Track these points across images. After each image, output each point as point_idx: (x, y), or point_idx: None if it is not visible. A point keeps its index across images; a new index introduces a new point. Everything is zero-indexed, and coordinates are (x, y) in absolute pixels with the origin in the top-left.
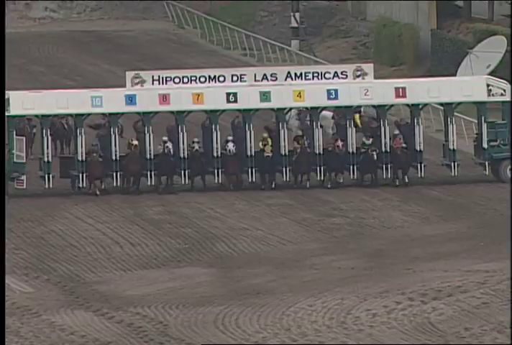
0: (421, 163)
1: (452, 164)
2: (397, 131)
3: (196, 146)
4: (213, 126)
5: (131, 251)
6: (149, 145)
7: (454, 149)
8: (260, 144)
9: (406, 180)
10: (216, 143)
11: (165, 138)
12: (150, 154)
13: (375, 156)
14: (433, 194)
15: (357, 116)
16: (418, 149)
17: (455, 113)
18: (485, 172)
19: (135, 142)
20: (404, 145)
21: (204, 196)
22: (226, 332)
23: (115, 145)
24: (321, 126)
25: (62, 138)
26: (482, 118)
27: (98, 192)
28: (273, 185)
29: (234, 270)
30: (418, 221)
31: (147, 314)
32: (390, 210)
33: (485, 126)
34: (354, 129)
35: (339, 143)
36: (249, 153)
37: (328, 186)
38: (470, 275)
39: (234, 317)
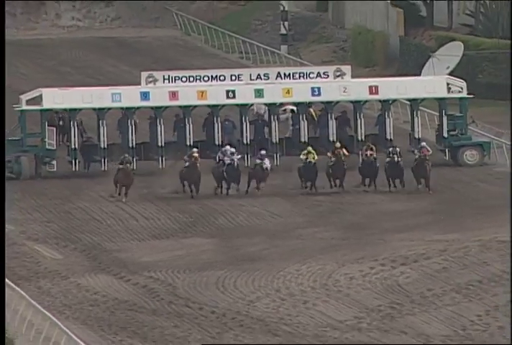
0: None
1: (417, 150)
2: (423, 144)
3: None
4: (215, 119)
5: (145, 224)
6: (161, 135)
7: (418, 138)
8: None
9: (429, 187)
10: (218, 133)
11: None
12: (161, 142)
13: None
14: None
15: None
16: (389, 138)
17: (420, 108)
18: (445, 157)
19: (195, 155)
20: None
21: (208, 178)
22: (226, 292)
23: (132, 134)
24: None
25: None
26: (443, 111)
27: (124, 200)
28: (311, 188)
29: (233, 240)
30: (389, 199)
31: (158, 277)
32: (366, 189)
33: (445, 118)
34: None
35: (369, 152)
36: (246, 141)
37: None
38: (432, 244)
39: (232, 279)
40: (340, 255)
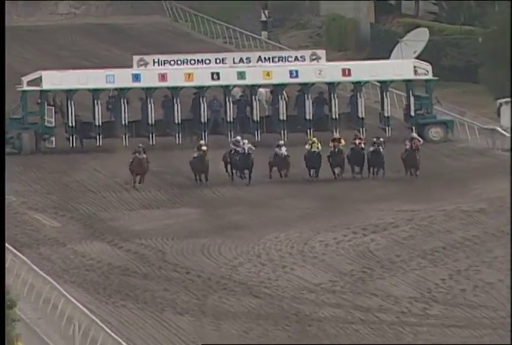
0: (362, 127)
1: (387, 127)
2: (414, 134)
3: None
4: (201, 99)
5: (137, 195)
6: (151, 113)
7: (388, 116)
8: (307, 145)
9: (417, 173)
10: (204, 112)
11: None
12: (151, 120)
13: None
14: None
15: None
16: (361, 116)
17: (389, 89)
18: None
19: (204, 148)
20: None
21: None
22: (211, 258)
23: (124, 112)
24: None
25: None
26: (410, 92)
27: (137, 187)
28: (317, 176)
29: (217, 210)
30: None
31: (148, 244)
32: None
33: (412, 98)
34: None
35: (357, 141)
36: (229, 120)
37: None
38: (400, 214)
39: (216, 246)
40: (316, 224)
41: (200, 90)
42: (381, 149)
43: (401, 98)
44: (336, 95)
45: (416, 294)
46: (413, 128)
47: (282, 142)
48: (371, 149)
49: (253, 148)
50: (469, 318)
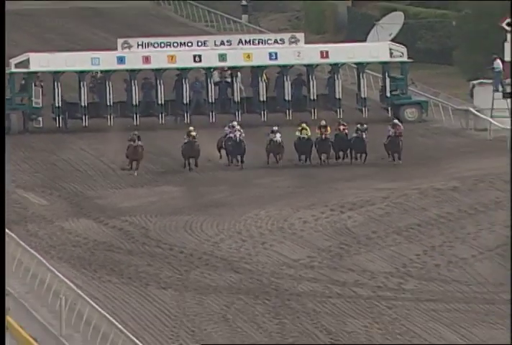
0: (340, 107)
1: (363, 108)
2: (396, 121)
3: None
4: (183, 80)
5: (122, 174)
6: (136, 94)
7: (364, 98)
8: (298, 131)
9: (400, 160)
10: (186, 92)
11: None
12: (136, 100)
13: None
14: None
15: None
16: (338, 97)
17: (365, 70)
18: (388, 114)
19: (193, 133)
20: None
21: (177, 133)
22: (193, 234)
23: (108, 93)
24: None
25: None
26: (386, 74)
27: (135, 173)
28: (308, 161)
29: (199, 188)
30: None
31: (133, 221)
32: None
33: (388, 80)
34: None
35: (341, 127)
36: (211, 100)
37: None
38: (377, 192)
39: (198, 223)
40: (295, 201)
41: (183, 71)
42: (364, 136)
43: (377, 80)
44: (314, 76)
45: (391, 269)
46: (389, 108)
47: (276, 128)
48: (354, 135)
49: (243, 135)
50: (442, 292)
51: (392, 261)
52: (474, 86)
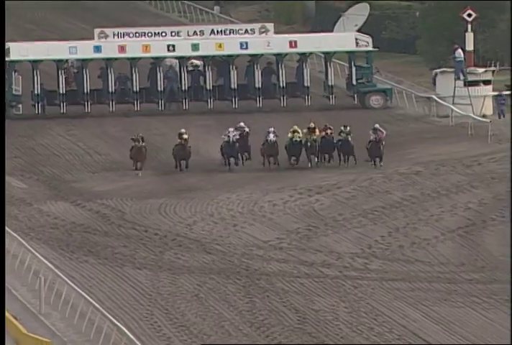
0: (308, 95)
1: (331, 96)
2: (377, 125)
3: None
4: (158, 68)
5: (98, 158)
6: (111, 82)
7: (331, 85)
8: (290, 133)
9: (381, 164)
10: (160, 80)
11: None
12: (112, 88)
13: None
14: (317, 117)
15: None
16: (306, 85)
17: (332, 59)
18: (354, 101)
19: (185, 136)
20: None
21: (152, 119)
22: (167, 217)
23: (86, 81)
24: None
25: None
26: (352, 62)
27: (140, 174)
28: (297, 163)
29: (173, 173)
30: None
31: (109, 204)
32: (286, 129)
33: (354, 68)
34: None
35: (329, 131)
36: (184, 88)
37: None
38: (343, 176)
39: (172, 206)
40: (264, 185)
41: (157, 60)
42: (349, 138)
43: (344, 68)
44: (283, 65)
45: (357, 250)
46: (355, 96)
47: (272, 129)
48: (339, 137)
49: (238, 137)
50: (406, 272)
51: (358, 242)
52: (436, 74)
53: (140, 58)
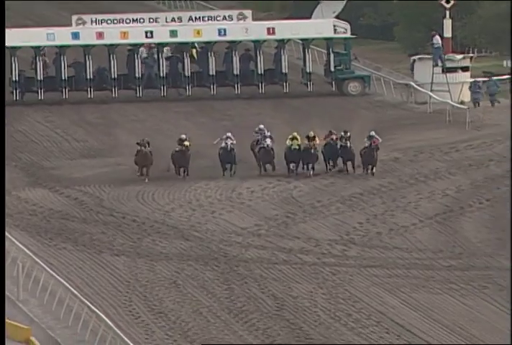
0: (286, 81)
1: (309, 82)
2: (373, 133)
3: None
4: (135, 55)
5: (76, 145)
6: (89, 68)
7: (309, 72)
8: (289, 140)
9: (374, 171)
10: (138, 67)
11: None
12: (90, 74)
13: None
14: (295, 104)
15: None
16: (284, 72)
17: (310, 46)
18: (332, 88)
19: (187, 143)
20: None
21: (130, 106)
22: (145, 204)
23: (64, 67)
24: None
25: None
26: (330, 49)
27: (146, 180)
28: (296, 170)
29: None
30: (282, 123)
31: (87, 191)
32: (264, 116)
33: (332, 55)
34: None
35: (334, 136)
36: (162, 75)
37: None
38: (321, 163)
39: (150, 193)
40: (243, 172)
41: (135, 47)
42: (349, 143)
43: (322, 55)
44: (261, 52)
45: (335, 236)
46: (333, 83)
47: (268, 134)
48: (340, 144)
49: (234, 142)
50: (384, 259)
51: (336, 229)
52: (414, 61)
53: (118, 45)
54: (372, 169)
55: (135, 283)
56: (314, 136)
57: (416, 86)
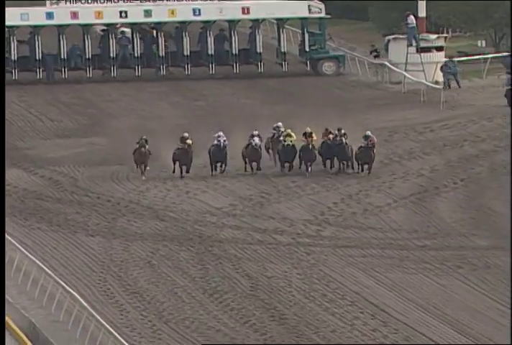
0: (261, 61)
1: (283, 62)
2: (368, 132)
3: None
4: (110, 35)
5: (50, 125)
6: (64, 48)
7: (284, 52)
8: (281, 137)
9: (369, 172)
10: (113, 47)
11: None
12: (64, 54)
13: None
14: (269, 84)
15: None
16: (259, 52)
17: (285, 26)
18: (307, 68)
19: (189, 142)
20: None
21: (104, 86)
22: (120, 184)
23: (38, 48)
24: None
25: None
26: (305, 29)
27: (144, 177)
28: (289, 169)
29: (125, 138)
30: (257, 103)
31: (62, 171)
32: (238, 96)
33: (306, 35)
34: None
35: (331, 136)
36: (136, 55)
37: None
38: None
39: (125, 173)
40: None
41: (110, 27)
42: (344, 141)
43: (296, 35)
44: (236, 31)
45: (310, 217)
46: (308, 62)
47: (256, 132)
48: (335, 142)
49: (227, 142)
50: (359, 239)
51: (310, 209)
52: (389, 41)
53: (93, 24)
54: (368, 169)
55: (110, 263)
56: (311, 133)
57: (390, 66)
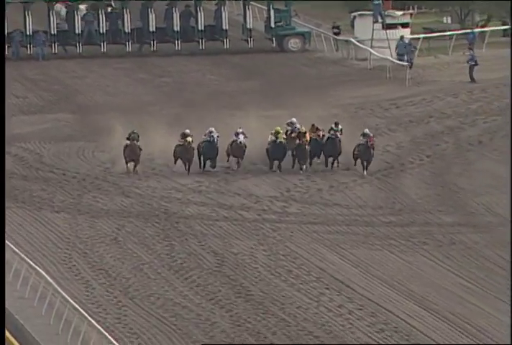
0: (226, 38)
1: (249, 39)
2: (367, 130)
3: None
4: (75, 12)
5: (16, 101)
6: (29, 25)
7: (250, 28)
8: (271, 135)
9: (366, 172)
10: (78, 23)
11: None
12: (30, 31)
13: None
14: (235, 61)
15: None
16: (224, 28)
17: (251, 2)
18: (273, 44)
19: (190, 139)
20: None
21: (69, 62)
22: (85, 160)
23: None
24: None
25: None
26: (270, 5)
27: (131, 171)
28: (280, 169)
29: (91, 116)
30: (223, 80)
31: (27, 147)
32: (204, 72)
33: (272, 11)
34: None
35: (321, 132)
36: (102, 31)
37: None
38: (263, 119)
39: (91, 149)
40: (182, 129)
41: (75, 3)
42: (338, 136)
43: (262, 11)
44: (201, 8)
45: (275, 193)
46: (273, 39)
47: (241, 130)
48: (328, 135)
49: (218, 139)
50: (324, 215)
51: (276, 185)
52: (354, 18)
53: (58, 0)
54: (366, 168)
55: (75, 240)
56: (305, 132)
57: (356, 42)
